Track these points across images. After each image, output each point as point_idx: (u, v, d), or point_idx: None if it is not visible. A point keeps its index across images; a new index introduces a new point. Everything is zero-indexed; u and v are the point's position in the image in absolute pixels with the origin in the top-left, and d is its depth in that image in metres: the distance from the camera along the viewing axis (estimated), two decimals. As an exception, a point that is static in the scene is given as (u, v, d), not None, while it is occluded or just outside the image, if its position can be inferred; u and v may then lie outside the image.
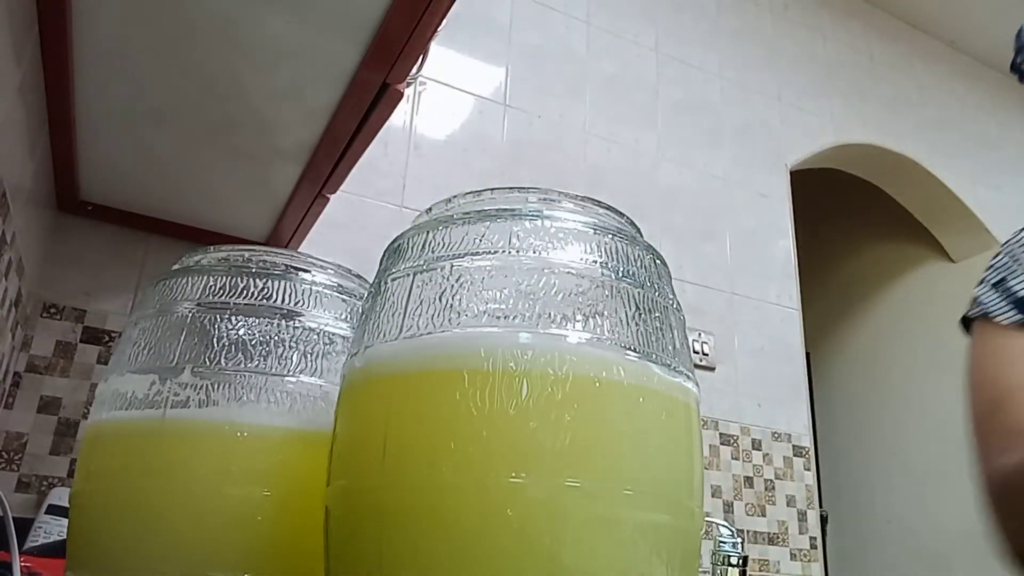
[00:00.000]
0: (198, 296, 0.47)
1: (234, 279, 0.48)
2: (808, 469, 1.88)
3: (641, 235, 0.42)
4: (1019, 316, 0.70)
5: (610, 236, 0.38)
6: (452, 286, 0.35)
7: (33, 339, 1.17)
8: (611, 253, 0.37)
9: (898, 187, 2.50)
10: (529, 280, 0.35)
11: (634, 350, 0.35)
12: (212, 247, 0.51)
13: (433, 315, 0.35)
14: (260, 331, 0.46)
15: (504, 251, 0.36)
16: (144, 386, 0.45)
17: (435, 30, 0.73)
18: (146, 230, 1.24)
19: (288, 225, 1.16)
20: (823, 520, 2.10)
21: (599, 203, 0.40)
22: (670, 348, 0.37)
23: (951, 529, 2.27)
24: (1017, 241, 0.76)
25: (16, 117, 0.78)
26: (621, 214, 0.42)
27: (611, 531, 0.32)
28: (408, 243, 0.39)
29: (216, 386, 0.45)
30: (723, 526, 0.42)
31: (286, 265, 0.50)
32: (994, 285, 0.74)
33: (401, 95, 0.81)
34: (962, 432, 0.74)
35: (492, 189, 0.41)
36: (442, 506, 0.31)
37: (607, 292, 0.36)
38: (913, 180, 2.45)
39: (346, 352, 0.40)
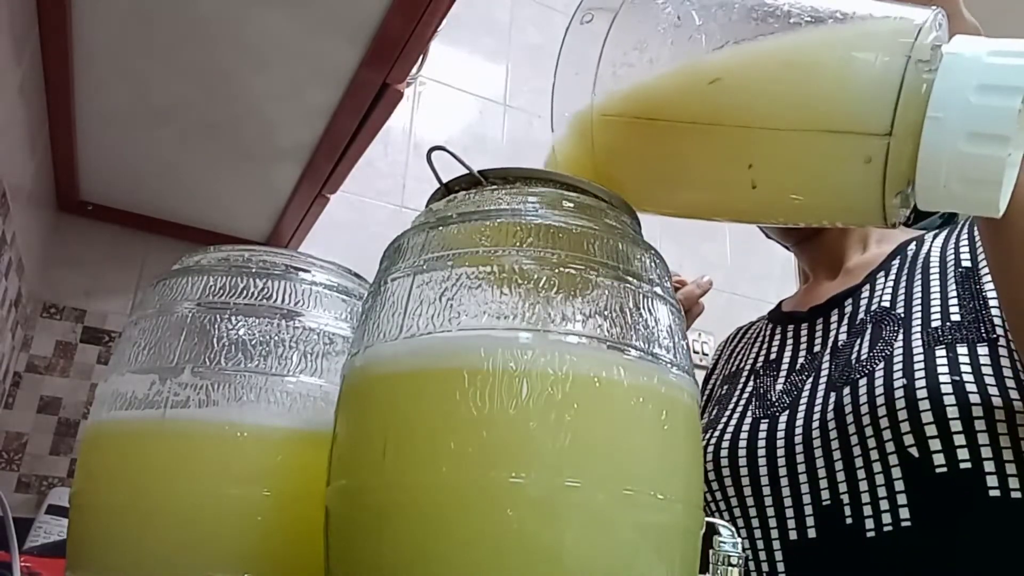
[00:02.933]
0: (198, 296, 0.47)
1: (234, 279, 0.48)
2: (808, 469, 1.87)
3: (641, 233, 0.42)
4: None
5: (610, 236, 0.38)
6: (452, 286, 0.35)
7: (33, 339, 1.17)
8: (611, 252, 0.37)
9: (898, 187, 2.50)
10: (529, 280, 0.35)
11: (634, 350, 0.35)
12: (212, 247, 0.51)
13: (433, 315, 0.35)
14: (260, 331, 0.46)
15: (504, 251, 0.36)
16: (144, 386, 0.45)
17: (435, 30, 0.74)
18: (146, 230, 1.24)
19: (288, 225, 1.16)
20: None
21: (598, 191, 0.40)
22: (670, 348, 0.37)
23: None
24: None
25: (16, 117, 0.78)
26: (619, 210, 0.42)
27: (611, 531, 0.32)
28: (408, 243, 0.39)
29: (216, 386, 0.45)
30: (723, 526, 0.42)
31: (286, 265, 0.50)
32: None
33: (401, 95, 0.81)
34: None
35: (493, 189, 0.41)
36: (442, 506, 0.31)
37: (607, 292, 0.36)
38: (913, 180, 2.45)
39: (346, 352, 0.40)
